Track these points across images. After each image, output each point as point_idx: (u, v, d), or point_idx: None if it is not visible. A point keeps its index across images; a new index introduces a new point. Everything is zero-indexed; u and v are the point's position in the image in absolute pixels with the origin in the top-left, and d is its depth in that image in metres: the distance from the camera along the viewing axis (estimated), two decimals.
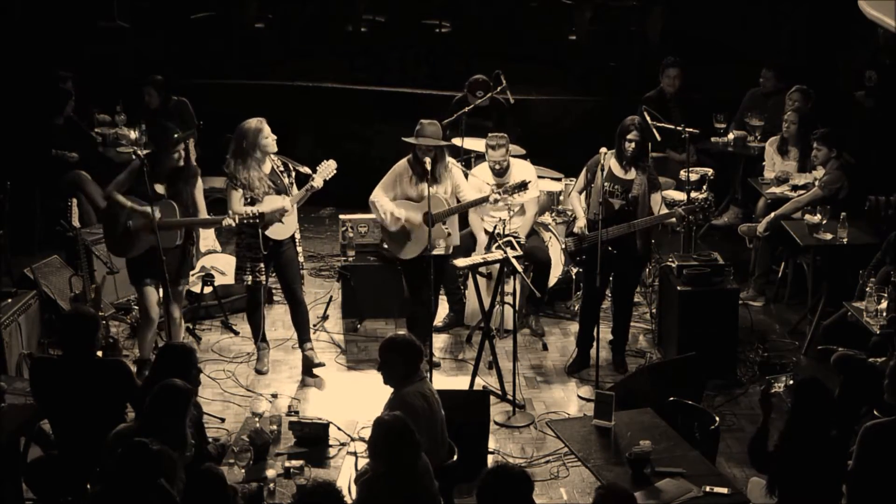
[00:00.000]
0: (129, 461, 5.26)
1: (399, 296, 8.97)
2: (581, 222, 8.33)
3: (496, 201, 8.15)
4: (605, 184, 8.09)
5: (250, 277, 8.22)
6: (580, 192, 8.46)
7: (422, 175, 8.14)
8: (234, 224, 7.96)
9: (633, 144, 8.10)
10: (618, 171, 8.19)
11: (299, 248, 8.40)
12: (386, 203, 8.25)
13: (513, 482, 5.16)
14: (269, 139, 8.09)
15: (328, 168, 8.21)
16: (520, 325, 8.89)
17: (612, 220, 8.05)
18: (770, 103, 10.70)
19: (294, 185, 8.25)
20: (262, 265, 8.19)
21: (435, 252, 8.06)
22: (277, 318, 9.27)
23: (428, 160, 8.03)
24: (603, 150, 8.12)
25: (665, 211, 8.34)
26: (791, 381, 6.22)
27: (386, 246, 8.57)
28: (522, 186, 8.14)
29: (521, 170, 8.96)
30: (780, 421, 6.17)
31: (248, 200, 8.06)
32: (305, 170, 8.29)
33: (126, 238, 7.96)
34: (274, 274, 8.38)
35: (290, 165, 8.30)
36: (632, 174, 8.16)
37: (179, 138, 8.00)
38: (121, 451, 5.29)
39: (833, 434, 5.84)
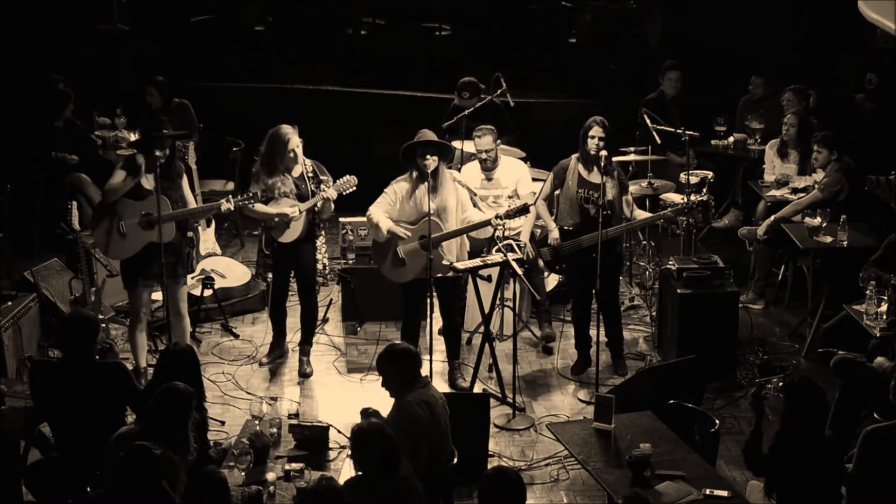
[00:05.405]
0: (131, 464, 5.25)
1: (399, 298, 8.94)
2: (555, 234, 8.26)
3: (497, 227, 7.90)
4: (579, 190, 8.08)
5: (262, 274, 8.57)
6: (545, 200, 8.40)
7: (424, 181, 7.89)
8: (231, 208, 7.99)
9: (595, 140, 8.02)
10: (586, 174, 8.16)
11: (319, 255, 8.44)
12: (381, 218, 8.05)
13: (512, 485, 5.24)
14: (293, 154, 8.08)
15: (347, 183, 8.21)
16: (520, 329, 8.89)
17: (589, 227, 8.02)
18: (762, 108, 10.71)
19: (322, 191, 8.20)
20: (269, 263, 8.36)
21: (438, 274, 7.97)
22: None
23: (432, 161, 7.82)
24: (576, 155, 8.12)
25: (639, 212, 8.34)
26: (782, 383, 6.21)
27: (381, 271, 8.32)
28: (524, 210, 8.01)
29: (510, 167, 8.89)
30: (777, 422, 6.17)
31: (265, 201, 8.12)
32: (327, 178, 8.26)
33: (120, 239, 7.95)
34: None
35: (318, 172, 8.26)
36: (599, 177, 7.98)
37: (170, 135, 7.98)
38: (123, 454, 5.29)
39: (828, 435, 5.85)
